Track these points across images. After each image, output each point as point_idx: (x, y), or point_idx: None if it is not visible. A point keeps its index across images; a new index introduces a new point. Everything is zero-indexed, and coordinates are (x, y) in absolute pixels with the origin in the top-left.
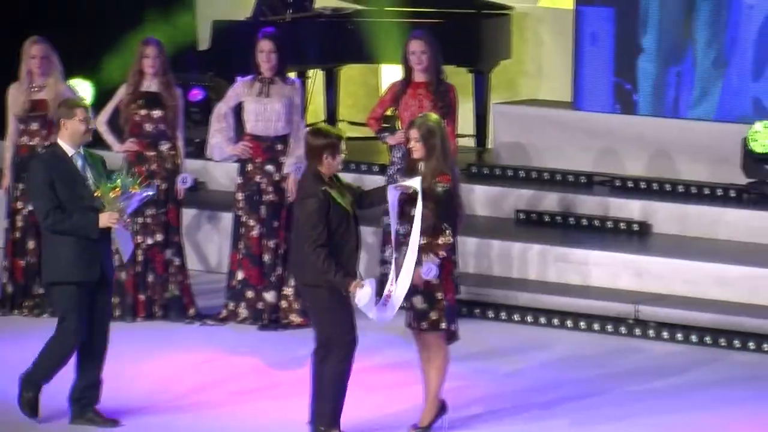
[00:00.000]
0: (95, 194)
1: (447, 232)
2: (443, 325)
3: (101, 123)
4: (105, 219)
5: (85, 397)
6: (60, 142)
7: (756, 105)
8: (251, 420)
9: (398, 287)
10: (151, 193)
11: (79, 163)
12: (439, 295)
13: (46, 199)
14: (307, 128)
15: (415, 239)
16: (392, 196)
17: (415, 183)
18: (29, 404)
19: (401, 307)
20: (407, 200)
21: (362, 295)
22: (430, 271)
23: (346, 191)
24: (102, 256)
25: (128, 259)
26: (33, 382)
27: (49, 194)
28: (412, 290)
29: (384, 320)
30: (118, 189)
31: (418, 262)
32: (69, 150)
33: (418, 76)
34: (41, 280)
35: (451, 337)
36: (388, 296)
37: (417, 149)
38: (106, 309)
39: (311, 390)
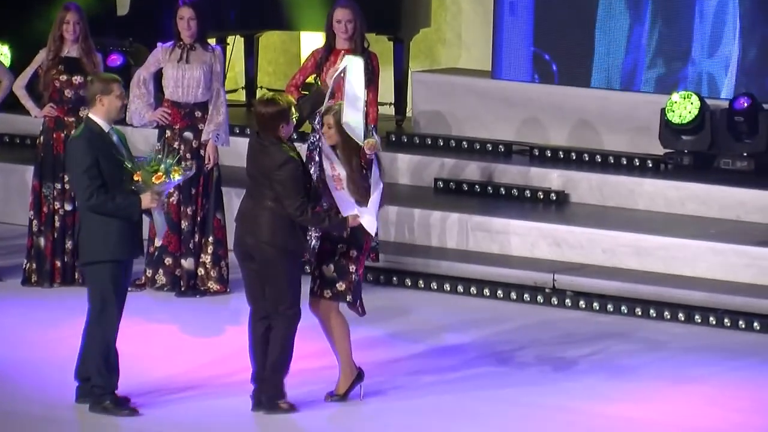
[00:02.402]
0: (134, 178)
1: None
2: (349, 298)
3: (19, 87)
4: (147, 201)
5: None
6: (94, 117)
7: (674, 76)
8: (173, 386)
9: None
10: (190, 174)
11: (114, 139)
12: (352, 268)
13: (91, 178)
14: (257, 99)
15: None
16: (333, 85)
17: (344, 63)
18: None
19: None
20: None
21: (367, 222)
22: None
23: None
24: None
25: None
26: (108, 376)
27: (95, 173)
28: (323, 259)
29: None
30: (161, 175)
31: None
32: (105, 126)
33: (341, 44)
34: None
35: (355, 312)
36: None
37: (330, 136)
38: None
39: (257, 355)
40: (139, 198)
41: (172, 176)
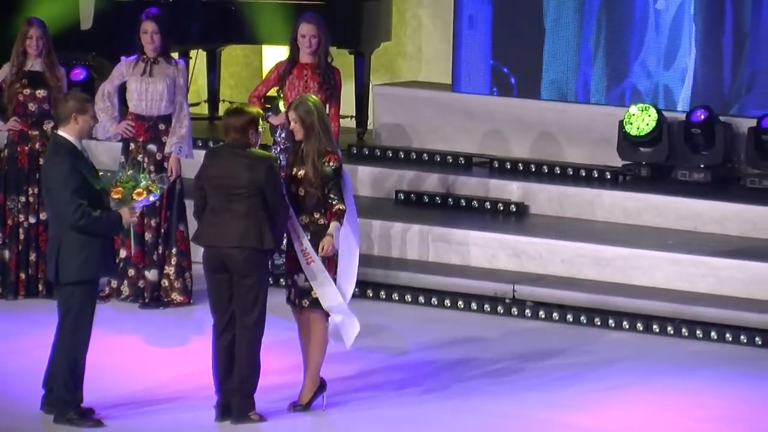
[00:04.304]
0: (113, 192)
1: (335, 202)
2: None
3: None
4: (127, 216)
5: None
6: (65, 134)
7: (632, 90)
8: (138, 397)
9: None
10: (165, 187)
11: (86, 156)
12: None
13: (81, 198)
14: (227, 110)
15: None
16: None
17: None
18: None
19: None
20: (292, 180)
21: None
22: (338, 239)
23: None
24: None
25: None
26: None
27: (83, 193)
28: (297, 268)
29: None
30: (142, 191)
31: (315, 245)
32: (77, 143)
33: (305, 58)
34: (54, 279)
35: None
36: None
37: (297, 130)
38: None
39: (220, 367)
40: (119, 214)
41: (150, 189)
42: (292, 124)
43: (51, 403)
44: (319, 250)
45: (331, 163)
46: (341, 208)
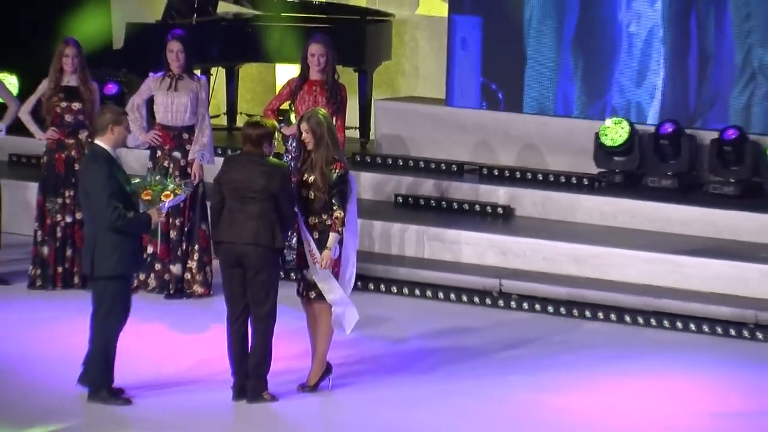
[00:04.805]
0: (144, 195)
1: (336, 208)
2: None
3: (25, 113)
4: (155, 217)
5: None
6: (102, 144)
7: (607, 105)
8: (163, 378)
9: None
10: (190, 191)
11: (120, 163)
12: (330, 267)
13: (117, 201)
14: (247, 121)
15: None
16: None
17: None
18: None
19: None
20: (302, 185)
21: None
22: (336, 249)
23: None
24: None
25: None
26: (105, 373)
27: (119, 197)
28: (305, 264)
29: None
30: (170, 193)
31: (322, 243)
32: (112, 152)
33: (315, 75)
34: (90, 273)
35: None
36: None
37: (308, 140)
38: None
39: (236, 352)
40: (148, 215)
41: (177, 192)
42: (304, 134)
43: (86, 379)
44: (320, 263)
45: (337, 171)
46: (340, 214)
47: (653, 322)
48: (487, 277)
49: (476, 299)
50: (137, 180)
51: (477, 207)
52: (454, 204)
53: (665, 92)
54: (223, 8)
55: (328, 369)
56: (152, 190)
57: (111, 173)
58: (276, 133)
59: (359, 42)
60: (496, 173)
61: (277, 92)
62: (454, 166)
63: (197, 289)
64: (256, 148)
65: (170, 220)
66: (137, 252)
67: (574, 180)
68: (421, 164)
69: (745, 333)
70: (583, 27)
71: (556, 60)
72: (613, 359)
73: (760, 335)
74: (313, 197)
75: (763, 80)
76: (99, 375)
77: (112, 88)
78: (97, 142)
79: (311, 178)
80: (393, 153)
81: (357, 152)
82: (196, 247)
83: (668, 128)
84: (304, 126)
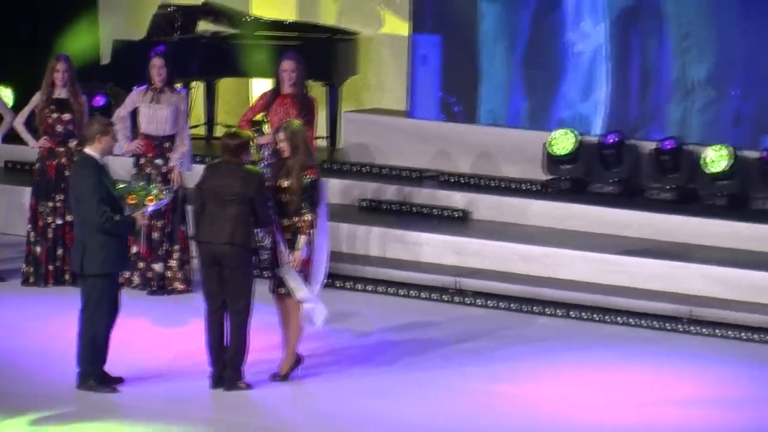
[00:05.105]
0: (129, 199)
1: (305, 212)
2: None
3: (19, 123)
4: (140, 219)
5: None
6: (91, 152)
7: (556, 116)
8: (147, 368)
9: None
10: (172, 195)
11: (107, 169)
12: (300, 267)
13: (105, 204)
14: (225, 133)
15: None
16: None
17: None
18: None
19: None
20: (278, 190)
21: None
22: (306, 250)
23: None
24: None
25: None
26: (93, 363)
27: (107, 200)
28: (277, 264)
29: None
30: (153, 198)
31: (293, 244)
32: (100, 159)
33: (287, 89)
34: (79, 272)
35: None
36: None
37: (284, 148)
38: None
39: (213, 343)
40: (133, 217)
41: (160, 197)
42: (280, 143)
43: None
44: (291, 263)
45: (310, 176)
46: (308, 218)
47: (598, 317)
48: (445, 276)
49: (435, 296)
50: (123, 185)
51: (436, 211)
52: (415, 208)
53: (609, 105)
54: (202, 27)
55: (298, 360)
56: (137, 195)
57: (99, 179)
58: (252, 143)
59: (328, 58)
60: (454, 180)
61: (252, 104)
62: (415, 173)
63: (178, 285)
64: (234, 156)
65: (152, 222)
66: (123, 252)
67: (525, 186)
68: (385, 171)
69: (680, 327)
70: (534, 46)
71: (509, 76)
72: (562, 351)
73: (693, 329)
74: (287, 201)
75: (698, 95)
76: (86, 365)
77: (99, 101)
78: (86, 150)
79: (286, 183)
80: (359, 161)
81: (326, 160)
82: (177, 247)
83: (611, 139)
84: (280, 135)
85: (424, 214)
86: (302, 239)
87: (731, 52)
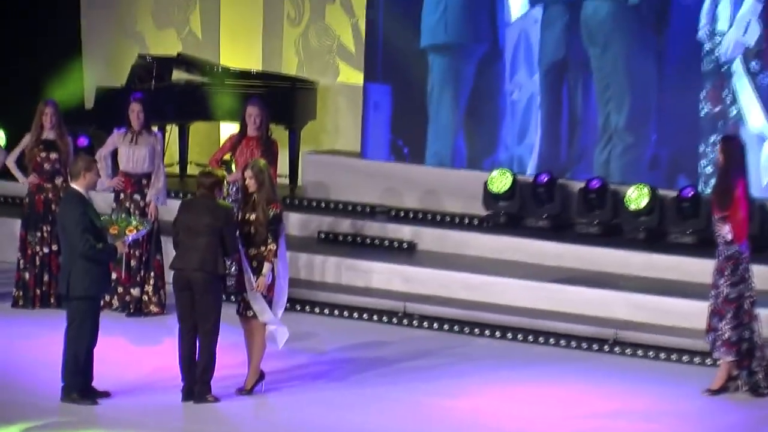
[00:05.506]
0: (111, 230)
1: (270, 242)
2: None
3: (10, 161)
4: (121, 248)
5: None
6: (77, 187)
7: (494, 158)
8: (124, 382)
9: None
10: (150, 227)
11: (92, 203)
12: (264, 292)
13: (88, 234)
14: (200, 172)
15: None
16: None
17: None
18: (85, 396)
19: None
20: (245, 222)
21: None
22: (269, 276)
23: None
24: None
25: None
26: (75, 377)
27: (90, 231)
28: (244, 288)
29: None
30: (133, 228)
31: (258, 271)
32: (85, 193)
33: (251, 132)
34: (65, 294)
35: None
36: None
37: (251, 185)
38: None
39: (185, 360)
40: (115, 246)
41: (139, 228)
42: (248, 180)
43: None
44: (255, 287)
45: (274, 210)
46: (272, 247)
47: (530, 338)
48: (394, 301)
49: (385, 319)
50: (106, 217)
51: (386, 242)
52: (367, 239)
53: (541, 149)
54: (176, 76)
55: (261, 376)
56: (118, 226)
57: (84, 211)
58: (224, 181)
59: (289, 105)
60: (402, 214)
61: (221, 146)
62: (367, 208)
63: (153, 308)
64: (208, 192)
65: (131, 251)
66: (105, 277)
67: (466, 220)
68: (340, 206)
69: (606, 348)
70: (476, 94)
71: (453, 121)
72: (498, 369)
73: (617, 350)
74: (254, 232)
75: (618, 140)
76: (70, 378)
77: (83, 141)
78: (72, 185)
79: (253, 216)
80: (317, 197)
81: (287, 195)
82: (152, 273)
83: (544, 178)
84: (248, 173)
85: (375, 245)
86: (267, 266)
87: (648, 102)
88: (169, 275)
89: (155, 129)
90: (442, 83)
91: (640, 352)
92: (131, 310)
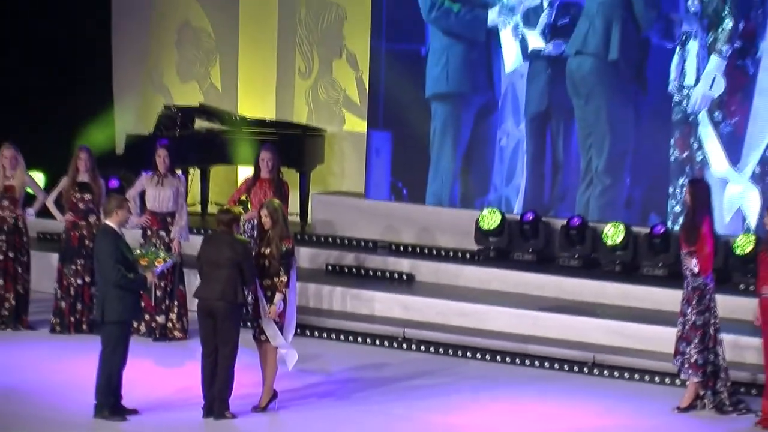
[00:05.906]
0: (141, 261)
1: (281, 274)
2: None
3: (49, 202)
4: (150, 277)
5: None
6: (110, 223)
7: (484, 198)
8: (150, 401)
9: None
10: (176, 260)
11: (124, 238)
12: (276, 318)
13: (120, 265)
14: (219, 209)
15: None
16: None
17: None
18: (115, 413)
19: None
20: (261, 256)
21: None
22: (281, 305)
23: None
24: None
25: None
26: (108, 396)
27: (122, 262)
28: (259, 315)
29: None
30: (161, 260)
31: (271, 300)
32: (117, 229)
33: (265, 174)
34: (100, 320)
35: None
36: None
37: (267, 222)
38: None
39: (206, 381)
40: (145, 276)
41: (166, 260)
42: (263, 218)
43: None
44: (268, 315)
45: (287, 245)
46: (284, 279)
47: (518, 360)
48: (394, 327)
49: (386, 343)
50: (138, 251)
51: (387, 274)
52: (370, 271)
53: (527, 190)
54: (198, 124)
55: (274, 394)
56: (148, 258)
57: (117, 245)
58: (241, 218)
59: (300, 150)
60: (401, 249)
61: (238, 187)
62: (369, 243)
63: (177, 334)
64: (227, 228)
65: (156, 282)
66: (136, 304)
67: (459, 254)
68: (345, 241)
69: (585, 370)
70: (471, 141)
71: (452, 164)
72: (489, 388)
73: (596, 371)
74: (268, 265)
75: (598, 182)
76: (102, 397)
77: (114, 183)
78: (106, 222)
79: (267, 251)
80: (324, 233)
81: (298, 232)
82: (176, 302)
83: (529, 216)
84: (264, 211)
85: (377, 276)
86: (278, 296)
87: (623, 148)
88: (192, 303)
89: (179, 172)
90: (443, 129)
91: (616, 374)
92: (157, 336)
